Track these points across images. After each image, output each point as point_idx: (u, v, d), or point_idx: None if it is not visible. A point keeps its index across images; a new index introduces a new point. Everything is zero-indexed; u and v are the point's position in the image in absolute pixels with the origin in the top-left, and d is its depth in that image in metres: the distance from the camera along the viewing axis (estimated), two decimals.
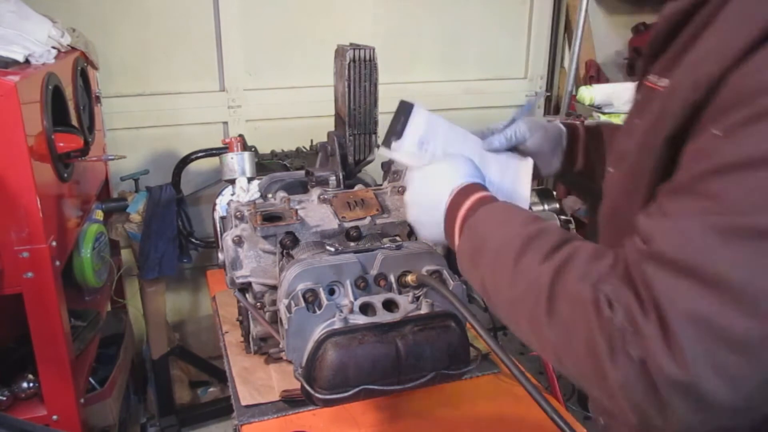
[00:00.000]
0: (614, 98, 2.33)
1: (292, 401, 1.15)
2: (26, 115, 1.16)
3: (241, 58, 2.33)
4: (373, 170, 1.35)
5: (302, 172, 1.31)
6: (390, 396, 1.08)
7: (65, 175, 1.39)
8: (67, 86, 1.50)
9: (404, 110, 0.97)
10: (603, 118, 2.25)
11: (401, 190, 1.15)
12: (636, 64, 2.60)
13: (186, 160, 2.17)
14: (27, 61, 1.33)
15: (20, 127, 1.15)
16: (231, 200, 1.21)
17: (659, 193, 0.58)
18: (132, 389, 2.11)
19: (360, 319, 0.94)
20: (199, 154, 2.17)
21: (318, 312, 0.93)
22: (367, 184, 1.28)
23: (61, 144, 1.35)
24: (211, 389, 2.42)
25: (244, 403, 1.16)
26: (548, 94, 2.87)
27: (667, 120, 0.60)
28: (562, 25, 2.78)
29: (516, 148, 1.02)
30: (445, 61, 2.65)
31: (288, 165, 2.01)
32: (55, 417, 1.34)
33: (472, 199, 0.81)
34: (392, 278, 1.00)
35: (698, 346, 0.48)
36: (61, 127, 1.39)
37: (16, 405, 1.36)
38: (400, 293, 0.99)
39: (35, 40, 1.40)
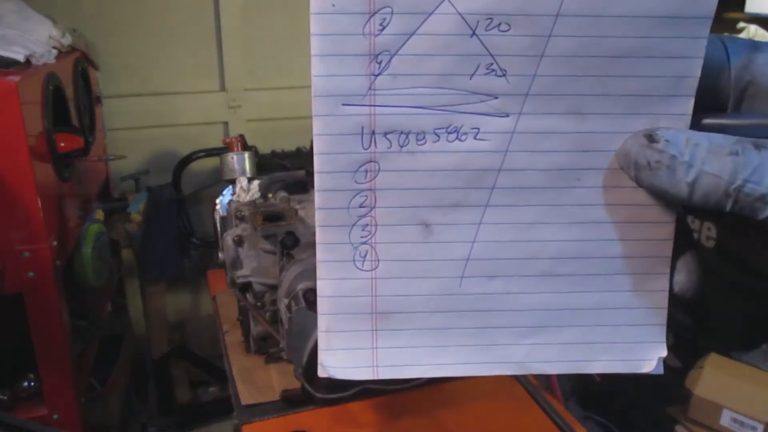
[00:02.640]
0: None
1: (292, 401, 1.15)
2: (27, 115, 1.16)
3: (241, 58, 2.33)
4: None
5: (302, 172, 1.31)
6: (390, 396, 1.08)
7: (66, 175, 1.39)
8: (67, 86, 1.50)
9: None
10: None
11: None
12: None
13: (186, 160, 2.17)
14: (28, 62, 1.33)
15: (21, 127, 1.15)
16: (231, 200, 1.21)
17: None
18: (132, 389, 2.11)
19: None
20: (200, 154, 2.17)
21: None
22: None
23: (62, 144, 1.35)
24: (211, 389, 2.42)
25: (244, 402, 1.16)
26: None
27: None
28: None
29: None
30: None
31: (288, 165, 2.01)
32: (55, 417, 1.35)
33: None
34: None
35: None
36: (62, 127, 1.39)
37: (16, 405, 1.36)
38: None
39: (36, 41, 1.40)
